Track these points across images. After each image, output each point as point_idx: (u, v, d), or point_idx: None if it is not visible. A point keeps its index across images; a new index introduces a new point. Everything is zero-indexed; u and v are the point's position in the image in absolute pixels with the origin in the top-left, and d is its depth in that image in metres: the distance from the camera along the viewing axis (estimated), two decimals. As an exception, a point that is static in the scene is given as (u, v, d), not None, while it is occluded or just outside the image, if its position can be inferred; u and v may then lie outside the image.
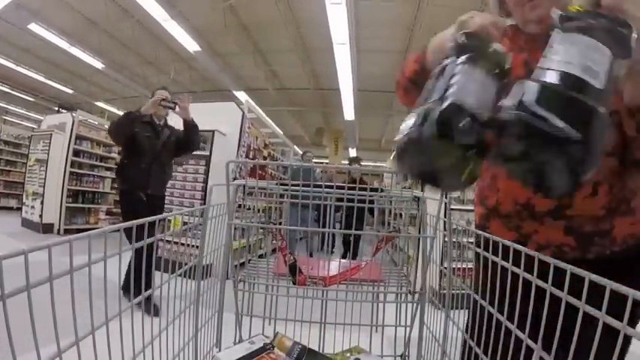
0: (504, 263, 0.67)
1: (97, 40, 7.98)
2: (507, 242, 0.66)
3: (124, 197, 2.93)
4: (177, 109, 2.86)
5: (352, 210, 1.11)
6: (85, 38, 7.96)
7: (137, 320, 0.78)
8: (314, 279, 1.14)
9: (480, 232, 0.83)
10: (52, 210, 5.72)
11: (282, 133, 6.80)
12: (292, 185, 1.13)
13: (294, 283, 1.11)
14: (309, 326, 1.17)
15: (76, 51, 8.21)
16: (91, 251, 0.57)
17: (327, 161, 13.13)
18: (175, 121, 3.07)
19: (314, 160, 8.01)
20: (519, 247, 0.64)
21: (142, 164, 2.83)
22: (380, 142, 15.48)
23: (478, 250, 0.83)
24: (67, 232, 5.82)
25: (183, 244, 1.16)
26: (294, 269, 1.14)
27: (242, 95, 10.19)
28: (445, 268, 1.12)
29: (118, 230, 0.69)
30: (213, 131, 4.26)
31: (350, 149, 15.28)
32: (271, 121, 6.37)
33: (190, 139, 2.99)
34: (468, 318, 0.88)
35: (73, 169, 5.85)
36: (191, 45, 7.46)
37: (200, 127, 4.20)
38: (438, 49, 0.77)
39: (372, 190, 1.17)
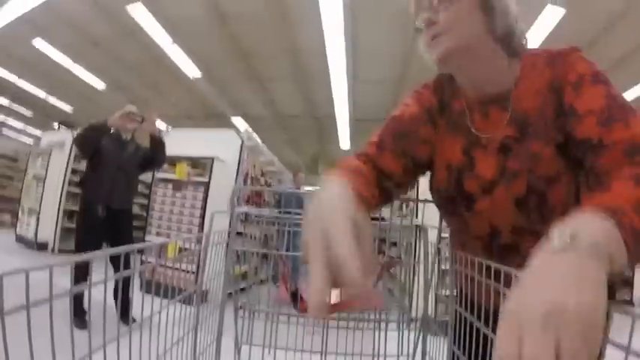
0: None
1: (99, 60, 8.14)
2: (505, 268, 0.62)
3: (82, 212, 2.91)
4: (144, 123, 2.88)
5: None
6: (88, 57, 8.11)
7: (135, 344, 0.77)
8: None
9: (482, 260, 0.78)
10: (48, 228, 5.65)
11: (277, 160, 6.83)
12: (286, 212, 1.16)
13: (295, 309, 1.10)
14: (309, 355, 1.15)
15: (78, 69, 8.34)
16: (92, 274, 0.58)
17: (323, 188, 13.11)
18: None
19: (309, 187, 8.01)
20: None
21: (106, 176, 2.82)
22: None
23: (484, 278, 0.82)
24: (61, 252, 5.71)
25: (183, 270, 1.16)
26: (295, 297, 1.13)
27: (239, 121, 10.37)
28: (446, 295, 1.12)
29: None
30: (212, 158, 4.25)
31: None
32: (268, 150, 6.46)
33: (156, 155, 3.01)
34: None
35: (70, 189, 5.77)
36: (192, 71, 7.64)
37: (200, 154, 4.30)
38: None
39: (373, 219, 1.19)
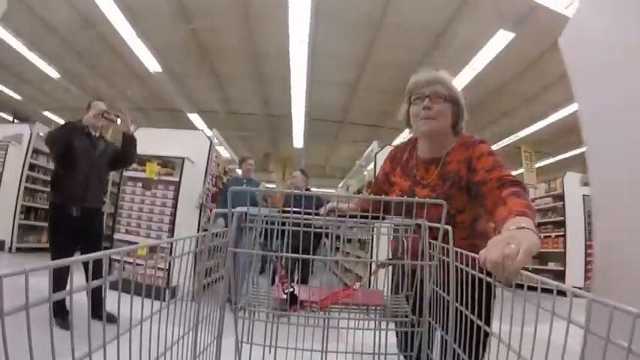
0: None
1: (55, 48, 7.64)
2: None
3: (54, 212, 2.77)
4: (118, 122, 2.83)
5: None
6: (44, 45, 7.57)
7: (135, 344, 0.75)
8: (305, 302, 1.12)
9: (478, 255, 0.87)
10: (4, 226, 5.33)
11: (237, 159, 6.77)
12: (294, 212, 1.10)
13: (290, 310, 1.08)
14: (310, 355, 1.16)
15: (32, 56, 7.71)
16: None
17: (274, 186, 12.96)
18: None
19: (267, 186, 8.05)
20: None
21: (79, 175, 2.74)
22: (325, 168, 16.17)
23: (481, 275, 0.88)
24: (19, 250, 5.41)
25: (160, 268, 1.12)
26: (291, 298, 1.11)
27: (195, 117, 10.32)
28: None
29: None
30: (183, 158, 4.25)
31: (295, 172, 15.55)
32: (231, 149, 6.45)
33: (128, 152, 2.98)
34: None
35: (27, 184, 5.54)
36: (152, 64, 7.36)
37: (170, 154, 4.20)
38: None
39: (373, 217, 1.14)
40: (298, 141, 11.14)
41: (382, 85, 7.65)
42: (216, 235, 1.20)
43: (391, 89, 7.65)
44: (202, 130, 6.16)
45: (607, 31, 1.20)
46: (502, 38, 5.64)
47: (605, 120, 1.19)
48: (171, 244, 1.07)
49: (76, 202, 2.72)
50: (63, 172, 2.76)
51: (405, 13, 5.51)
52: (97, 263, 0.68)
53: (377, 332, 1.18)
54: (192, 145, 4.48)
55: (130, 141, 2.92)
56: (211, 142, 4.74)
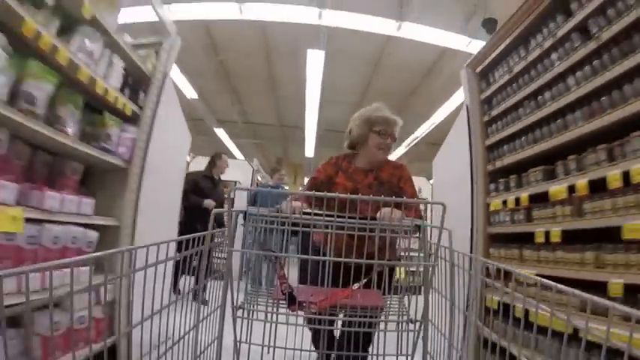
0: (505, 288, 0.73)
1: None
2: (506, 267, 0.73)
3: (183, 228, 3.33)
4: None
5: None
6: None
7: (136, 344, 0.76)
8: (303, 303, 1.12)
9: (483, 258, 0.88)
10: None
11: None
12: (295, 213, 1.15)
13: (289, 309, 1.08)
14: (309, 355, 1.14)
15: None
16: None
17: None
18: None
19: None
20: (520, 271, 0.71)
21: (205, 213, 3.83)
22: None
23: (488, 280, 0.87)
24: None
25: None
26: (290, 298, 1.11)
27: (221, 132, 11.41)
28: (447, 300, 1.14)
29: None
30: (235, 182, 6.02)
31: (306, 179, 16.21)
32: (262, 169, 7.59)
33: None
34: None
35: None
36: (190, 92, 8.08)
37: (225, 178, 4.84)
38: None
39: (372, 218, 1.17)
40: (310, 151, 12.13)
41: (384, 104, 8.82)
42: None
43: (391, 108, 8.59)
44: (246, 160, 8.01)
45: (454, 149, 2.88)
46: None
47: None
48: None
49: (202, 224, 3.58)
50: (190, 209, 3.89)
51: (399, 52, 6.59)
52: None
53: (376, 333, 1.18)
54: (240, 171, 6.51)
55: None
56: (253, 169, 6.88)
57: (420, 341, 1.11)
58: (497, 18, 4.93)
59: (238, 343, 1.14)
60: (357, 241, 1.11)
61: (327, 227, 1.15)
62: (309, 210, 1.16)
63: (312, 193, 1.08)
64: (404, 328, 1.14)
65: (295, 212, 1.18)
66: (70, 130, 1.83)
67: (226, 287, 1.15)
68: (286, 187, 11.01)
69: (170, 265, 1.02)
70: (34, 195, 1.63)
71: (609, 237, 1.59)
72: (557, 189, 1.89)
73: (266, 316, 1.13)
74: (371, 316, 1.16)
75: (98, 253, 0.69)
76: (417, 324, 1.12)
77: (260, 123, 11.47)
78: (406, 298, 1.27)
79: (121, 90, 2.20)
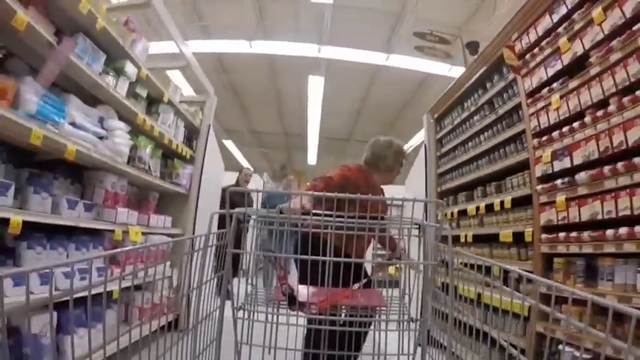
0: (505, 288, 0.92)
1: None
2: (507, 267, 0.92)
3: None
4: None
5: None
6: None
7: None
8: (304, 304, 1.11)
9: (482, 258, 1.03)
10: None
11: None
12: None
13: (290, 310, 1.11)
14: (309, 355, 1.20)
15: None
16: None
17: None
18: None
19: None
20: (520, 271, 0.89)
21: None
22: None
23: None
24: None
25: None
26: (292, 299, 1.12)
27: (229, 144, 12.13)
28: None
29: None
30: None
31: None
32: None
33: None
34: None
35: None
36: None
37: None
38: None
39: (372, 217, 1.15)
40: (312, 159, 13.02)
41: (379, 115, 10.01)
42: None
43: (384, 119, 10.20)
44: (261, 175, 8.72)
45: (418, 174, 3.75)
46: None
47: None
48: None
49: None
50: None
51: (395, 68, 7.27)
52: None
53: (376, 333, 1.17)
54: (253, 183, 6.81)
55: None
56: (264, 182, 7.91)
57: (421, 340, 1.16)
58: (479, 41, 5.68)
59: (239, 345, 1.13)
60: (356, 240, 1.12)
61: (326, 227, 1.13)
62: (318, 211, 1.13)
63: (312, 193, 1.08)
64: (405, 328, 1.15)
65: (296, 213, 1.18)
66: (155, 174, 2.87)
67: (225, 287, 1.14)
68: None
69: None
70: (144, 218, 2.68)
71: (496, 239, 2.60)
72: (471, 207, 2.92)
73: (266, 317, 1.11)
74: (370, 316, 1.19)
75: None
76: (418, 323, 1.15)
77: (265, 132, 12.36)
78: (407, 297, 1.28)
79: (183, 141, 3.24)
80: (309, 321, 1.09)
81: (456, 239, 3.14)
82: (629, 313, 0.54)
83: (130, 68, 2.35)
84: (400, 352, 1.16)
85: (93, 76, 2.04)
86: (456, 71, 6.53)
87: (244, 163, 13.94)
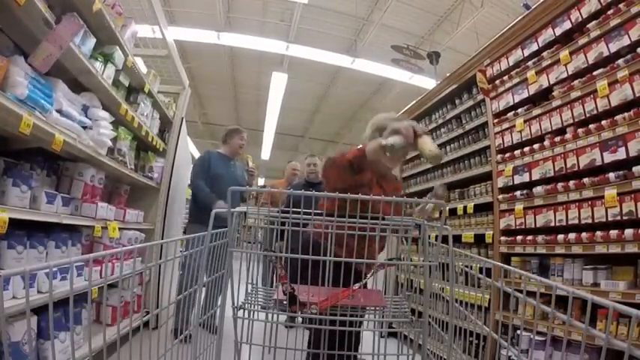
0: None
1: None
2: (508, 267, 0.95)
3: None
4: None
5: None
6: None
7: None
8: (304, 304, 1.10)
9: (483, 258, 1.07)
10: None
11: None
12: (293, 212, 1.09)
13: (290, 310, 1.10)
14: (309, 356, 1.21)
15: None
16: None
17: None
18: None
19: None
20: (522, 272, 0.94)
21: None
22: (284, 173, 18.49)
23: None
24: None
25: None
26: (292, 299, 1.11)
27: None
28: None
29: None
30: None
31: (259, 179, 17.52)
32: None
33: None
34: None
35: None
36: None
37: None
38: (372, 150, 1.23)
39: (373, 217, 1.13)
40: (266, 154, 13.10)
41: (336, 114, 10.38)
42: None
43: (340, 119, 10.62)
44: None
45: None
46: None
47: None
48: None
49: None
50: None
51: (356, 70, 7.37)
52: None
53: (376, 333, 1.16)
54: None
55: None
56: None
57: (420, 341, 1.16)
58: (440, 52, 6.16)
59: (239, 344, 1.13)
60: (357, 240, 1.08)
61: (327, 227, 1.12)
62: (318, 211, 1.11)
63: (312, 193, 1.03)
64: (405, 328, 1.16)
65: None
66: (131, 166, 2.74)
67: (225, 287, 1.13)
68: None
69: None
70: (120, 213, 2.56)
71: (459, 240, 2.92)
72: (436, 212, 3.24)
73: (266, 317, 1.11)
74: (362, 315, 1.19)
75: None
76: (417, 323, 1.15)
77: (218, 124, 12.01)
78: (407, 297, 1.29)
79: (157, 133, 3.12)
80: (310, 321, 1.08)
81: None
82: (629, 313, 0.55)
83: (118, 55, 2.23)
84: (400, 353, 1.19)
85: (84, 61, 1.90)
86: (418, 79, 7.02)
87: (196, 154, 13.51)
